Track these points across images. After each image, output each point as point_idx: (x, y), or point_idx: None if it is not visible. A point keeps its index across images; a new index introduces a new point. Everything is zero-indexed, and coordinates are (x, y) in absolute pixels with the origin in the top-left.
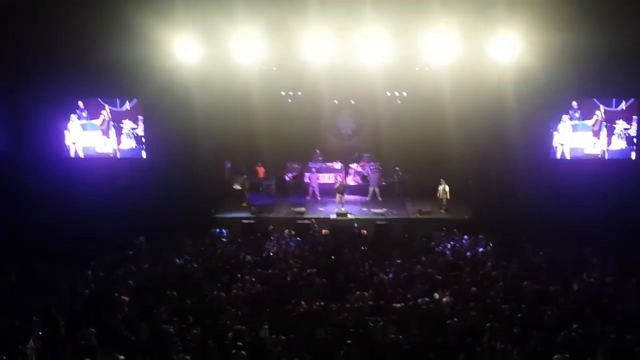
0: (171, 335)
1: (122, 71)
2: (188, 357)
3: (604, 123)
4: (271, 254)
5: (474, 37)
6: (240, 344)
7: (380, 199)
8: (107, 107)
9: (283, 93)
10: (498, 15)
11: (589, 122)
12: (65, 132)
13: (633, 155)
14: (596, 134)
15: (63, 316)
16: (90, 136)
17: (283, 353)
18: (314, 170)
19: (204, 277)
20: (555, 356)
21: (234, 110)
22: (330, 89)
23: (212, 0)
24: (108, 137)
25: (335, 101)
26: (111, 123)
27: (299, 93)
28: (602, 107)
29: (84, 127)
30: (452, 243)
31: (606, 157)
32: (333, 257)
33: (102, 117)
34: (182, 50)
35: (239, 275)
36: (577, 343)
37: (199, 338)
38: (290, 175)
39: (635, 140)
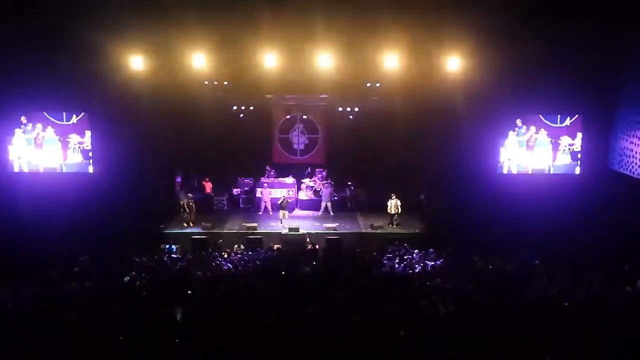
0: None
1: (70, 85)
2: None
3: (550, 139)
4: (222, 269)
5: (423, 54)
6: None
7: (332, 213)
8: (41, 122)
9: (235, 108)
10: (446, 32)
11: (525, 138)
12: (9, 147)
13: (577, 170)
14: (529, 148)
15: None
16: (34, 151)
17: None
18: (265, 185)
19: (153, 295)
20: None
21: (185, 125)
22: (282, 104)
23: (163, 13)
24: (42, 150)
25: (287, 116)
26: (58, 137)
27: (251, 108)
28: (538, 124)
29: (28, 142)
30: (403, 257)
31: (551, 171)
32: (284, 273)
33: (36, 130)
34: (132, 64)
35: (189, 292)
36: (527, 353)
37: (149, 357)
38: (237, 190)
39: (579, 155)
